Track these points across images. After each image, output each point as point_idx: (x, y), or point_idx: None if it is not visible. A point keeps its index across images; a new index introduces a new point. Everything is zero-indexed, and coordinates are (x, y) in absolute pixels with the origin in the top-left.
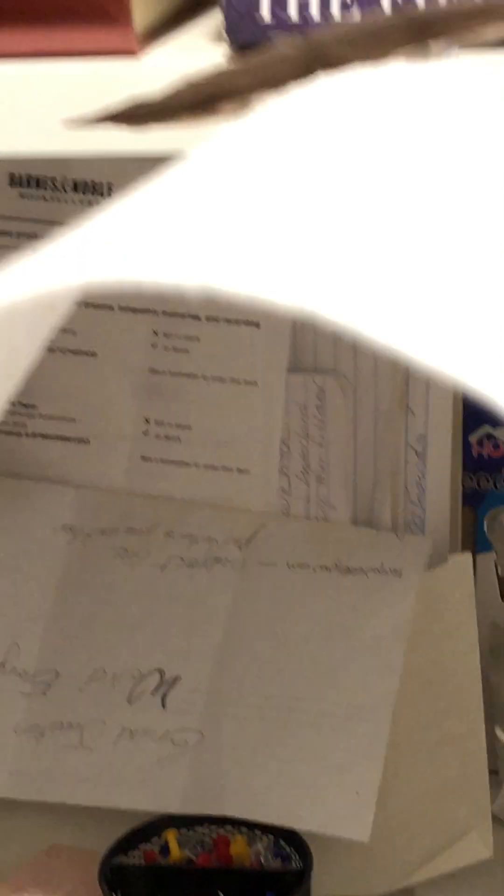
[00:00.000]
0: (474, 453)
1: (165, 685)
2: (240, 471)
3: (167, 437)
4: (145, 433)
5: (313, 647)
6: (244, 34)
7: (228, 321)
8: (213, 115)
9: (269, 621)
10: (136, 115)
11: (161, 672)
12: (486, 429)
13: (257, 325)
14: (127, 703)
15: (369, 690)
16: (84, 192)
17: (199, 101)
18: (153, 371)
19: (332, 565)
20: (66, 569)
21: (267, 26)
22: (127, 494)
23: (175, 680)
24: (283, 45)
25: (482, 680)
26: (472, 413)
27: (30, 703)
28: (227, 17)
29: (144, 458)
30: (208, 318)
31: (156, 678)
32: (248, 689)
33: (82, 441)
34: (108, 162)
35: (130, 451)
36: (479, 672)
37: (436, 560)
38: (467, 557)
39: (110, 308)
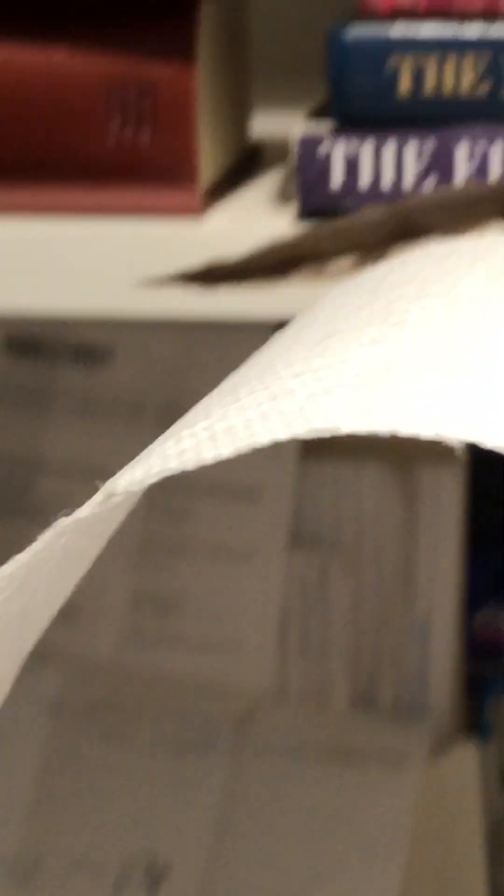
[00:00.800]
0: (478, 638)
1: (155, 875)
2: (234, 649)
3: (159, 612)
4: (136, 607)
5: (311, 840)
6: (315, 200)
7: (226, 494)
8: (289, 277)
9: (264, 811)
10: (211, 275)
11: (150, 861)
12: (492, 612)
13: (257, 499)
14: (113, 893)
15: (370, 887)
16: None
17: (278, 263)
18: (146, 543)
19: (331, 753)
20: (49, 749)
21: (338, 194)
22: (115, 671)
23: (165, 870)
24: (371, 212)
25: (485, 880)
26: (478, 595)
27: (6, 894)
28: (300, 182)
29: (135, 633)
30: (205, 491)
31: (144, 868)
32: (242, 883)
33: (70, 613)
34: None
35: (120, 626)
36: (482, 869)
37: (438, 749)
38: (472, 747)
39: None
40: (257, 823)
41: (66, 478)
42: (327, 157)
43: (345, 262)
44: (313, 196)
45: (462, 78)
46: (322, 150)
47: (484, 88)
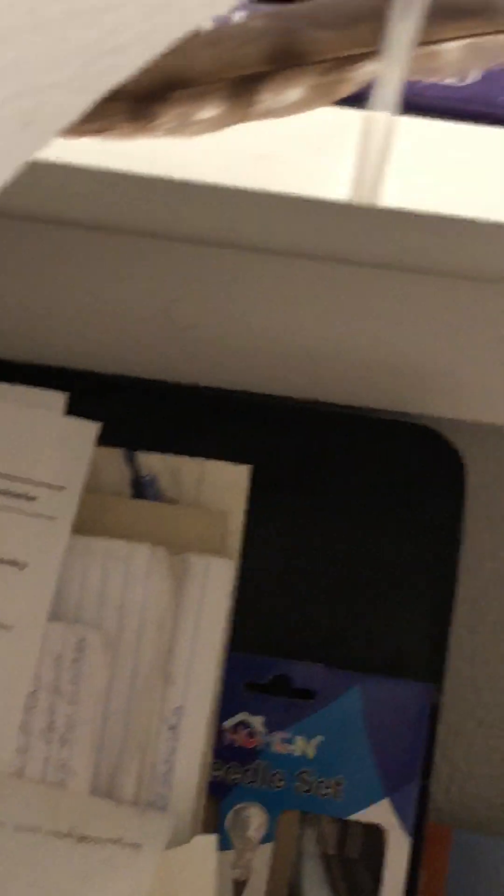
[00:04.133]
0: (226, 740)
1: None
2: None
3: None
4: None
5: None
6: None
7: None
8: (155, 116)
9: None
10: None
11: None
12: (243, 715)
13: (22, 567)
14: None
15: None
16: None
17: (145, 91)
18: None
19: (67, 832)
20: None
21: None
22: None
23: None
24: (253, 21)
25: None
26: (230, 697)
27: None
28: None
29: None
30: None
31: None
32: None
33: None
34: None
35: None
36: None
37: (176, 841)
38: (211, 839)
39: None
40: None
41: None
42: None
43: (213, 111)
44: None
45: None
46: None
47: None
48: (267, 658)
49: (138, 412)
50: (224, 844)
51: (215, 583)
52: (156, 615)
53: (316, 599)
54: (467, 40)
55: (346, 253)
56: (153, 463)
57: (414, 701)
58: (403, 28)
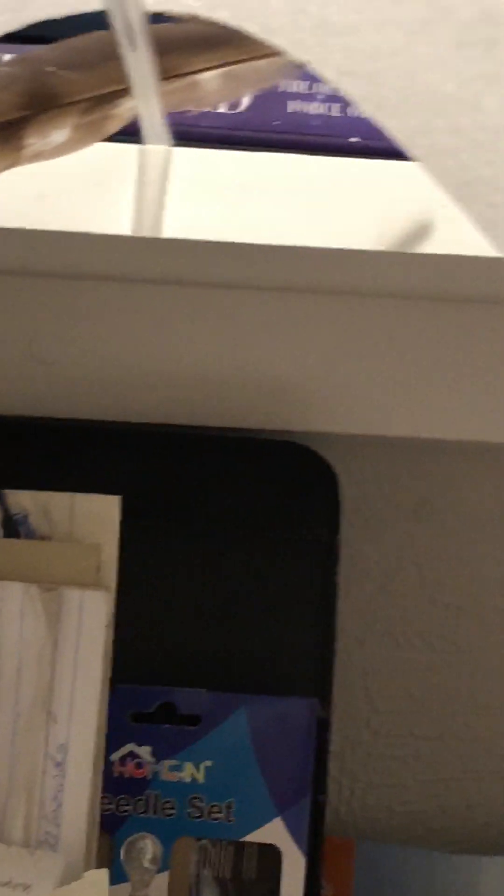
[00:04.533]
0: (115, 772)
1: None
2: None
3: None
4: None
5: None
6: None
7: None
8: None
9: None
10: None
11: None
12: (131, 746)
13: None
14: None
15: None
16: None
17: None
18: None
19: None
20: None
21: None
22: None
23: None
24: (7, 66)
25: None
26: (116, 730)
27: None
28: None
29: None
30: None
31: None
32: None
33: None
34: None
35: None
36: None
37: (69, 879)
38: (102, 873)
39: None
40: None
41: None
42: None
43: None
44: None
45: None
46: None
47: None
48: (151, 687)
49: (4, 451)
50: (120, 877)
51: (91, 616)
52: (33, 653)
53: (197, 625)
54: (223, 69)
55: (185, 276)
56: (22, 500)
57: (299, 717)
58: (136, 62)
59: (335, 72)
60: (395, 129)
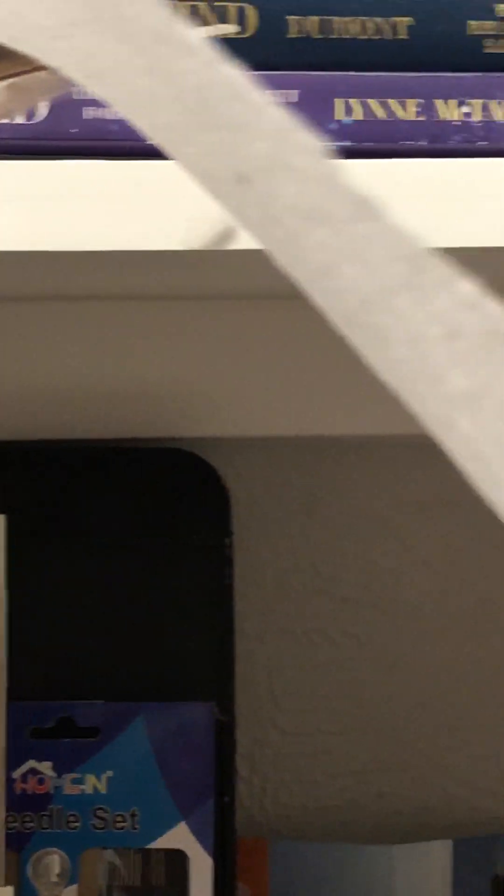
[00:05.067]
0: (17, 790)
1: None
2: None
3: None
4: None
5: None
6: None
7: None
8: None
9: None
10: None
11: None
12: (31, 763)
13: None
14: None
15: None
16: None
17: None
18: None
19: None
20: None
21: None
22: None
23: None
24: None
25: None
26: (16, 746)
27: None
28: None
29: None
30: None
31: None
32: None
33: None
34: None
35: None
36: None
37: None
38: (9, 891)
39: None
40: None
41: None
42: None
43: None
44: None
45: None
46: None
47: None
48: (49, 702)
49: None
50: (29, 894)
51: None
52: None
53: (92, 637)
54: (7, 81)
55: (47, 290)
56: None
57: (197, 721)
58: None
59: None
60: None
